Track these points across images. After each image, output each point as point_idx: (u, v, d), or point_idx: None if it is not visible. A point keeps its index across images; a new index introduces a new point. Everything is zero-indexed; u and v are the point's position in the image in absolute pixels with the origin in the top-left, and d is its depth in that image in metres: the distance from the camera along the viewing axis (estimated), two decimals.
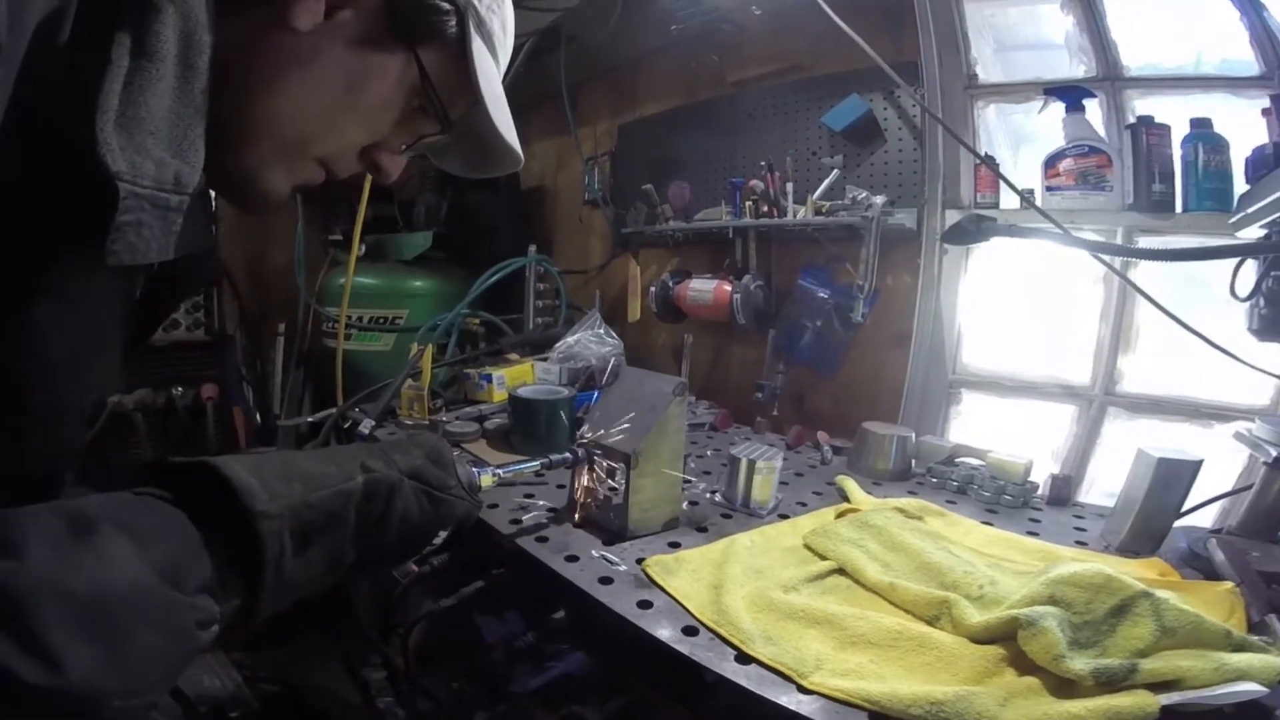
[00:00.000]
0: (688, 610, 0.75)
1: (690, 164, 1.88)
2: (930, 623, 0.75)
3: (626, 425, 0.90)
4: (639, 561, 0.84)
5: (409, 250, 2.25)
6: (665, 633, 0.72)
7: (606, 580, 0.81)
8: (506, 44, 0.70)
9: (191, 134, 0.47)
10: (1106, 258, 1.26)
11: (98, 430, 1.68)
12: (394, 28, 0.58)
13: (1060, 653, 0.64)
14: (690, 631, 0.72)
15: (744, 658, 0.68)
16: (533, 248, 1.98)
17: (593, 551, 0.87)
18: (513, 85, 2.06)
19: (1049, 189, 1.31)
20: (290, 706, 1.43)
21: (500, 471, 0.84)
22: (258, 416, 2.21)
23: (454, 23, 0.60)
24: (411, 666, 1.16)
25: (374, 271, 2.22)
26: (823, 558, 0.87)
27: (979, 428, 1.46)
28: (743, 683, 0.65)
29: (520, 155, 0.72)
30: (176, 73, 0.45)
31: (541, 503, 1.03)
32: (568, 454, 0.92)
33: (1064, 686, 0.63)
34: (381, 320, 2.14)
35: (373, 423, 1.34)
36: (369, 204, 2.46)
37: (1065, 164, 1.30)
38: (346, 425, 1.49)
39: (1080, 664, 0.62)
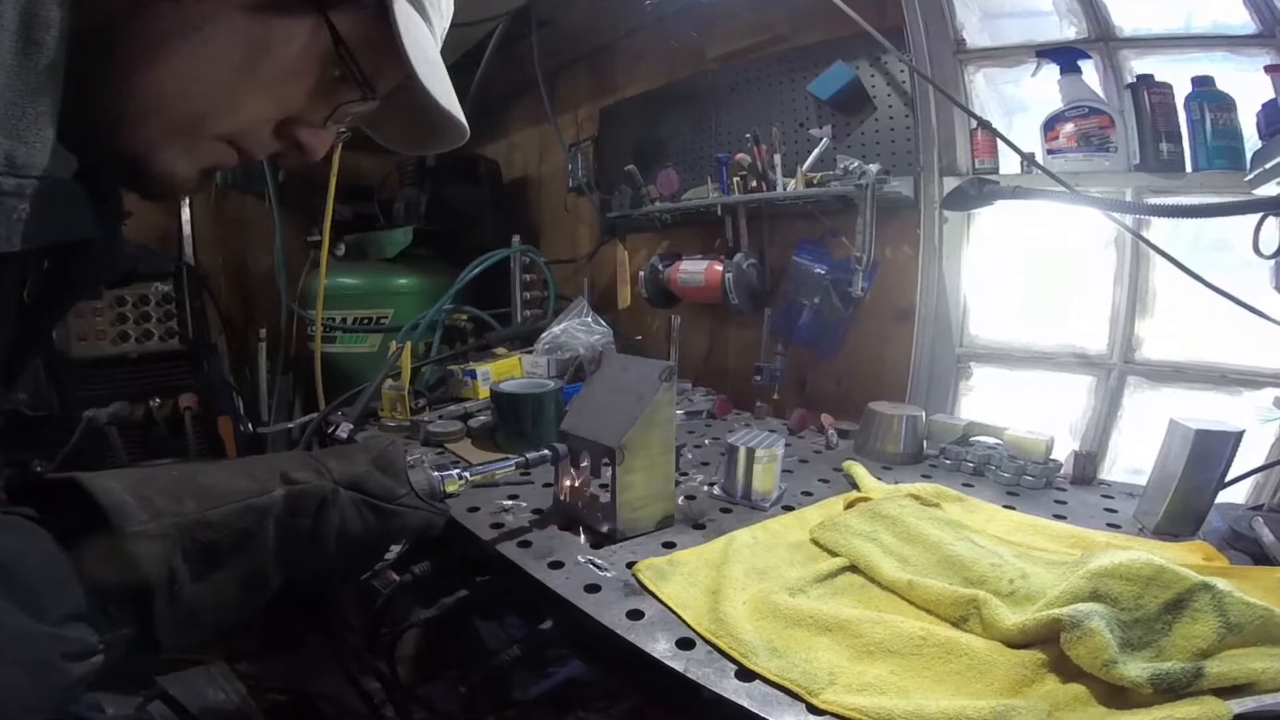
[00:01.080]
0: (683, 620, 0.66)
1: (675, 144, 1.79)
2: (956, 624, 0.67)
3: (612, 416, 0.81)
4: (629, 566, 0.75)
5: (390, 247, 2.16)
6: (658, 646, 0.63)
7: (593, 588, 0.72)
8: (443, 7, 0.62)
9: (33, 111, 0.40)
10: (1120, 217, 1.16)
11: (72, 446, 1.63)
12: None
13: (1111, 657, 0.55)
14: (686, 644, 0.63)
15: (746, 673, 0.59)
16: (516, 238, 1.88)
17: (579, 556, 0.78)
18: (486, 76, 1.97)
19: (1050, 152, 1.22)
20: (298, 715, 1.36)
21: (467, 474, 0.76)
22: (250, 425, 2.13)
23: None
24: (400, 677, 1.08)
25: (356, 271, 2.14)
26: (832, 554, 0.78)
27: (991, 403, 1.37)
28: (744, 703, 0.56)
29: (464, 126, 0.64)
30: (15, 49, 0.39)
31: (524, 504, 0.94)
32: (546, 451, 0.83)
33: (1116, 695, 0.54)
34: (366, 321, 2.06)
35: (351, 426, 1.25)
36: (349, 203, 2.41)
37: (1065, 127, 1.21)
38: (331, 430, 1.40)
39: (1135, 669, 0.53)
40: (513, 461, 0.81)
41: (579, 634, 0.70)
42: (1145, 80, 1.13)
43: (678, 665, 0.60)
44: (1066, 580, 0.67)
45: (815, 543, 0.81)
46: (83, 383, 1.67)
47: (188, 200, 2.30)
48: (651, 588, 0.71)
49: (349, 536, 0.60)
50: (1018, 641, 0.61)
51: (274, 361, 2.27)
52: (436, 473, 0.74)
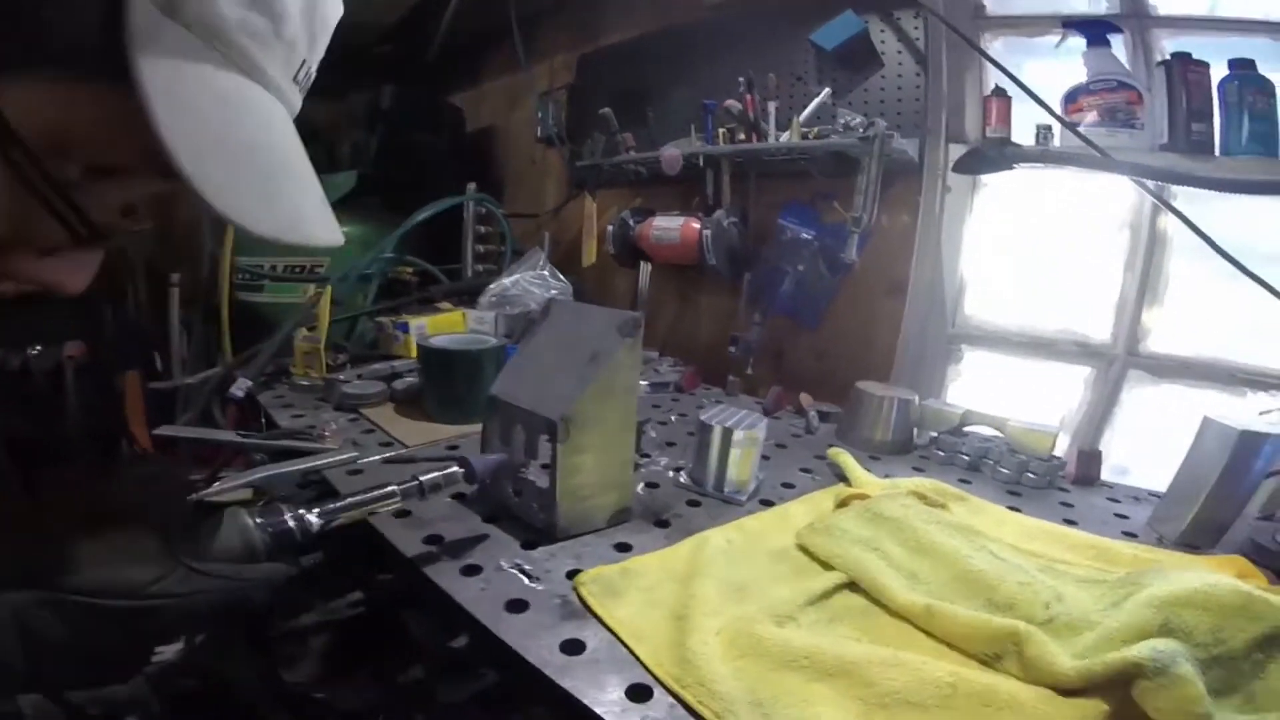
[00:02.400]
0: (636, 657, 0.48)
1: (657, 93, 1.57)
2: (986, 663, 0.50)
3: (558, 380, 0.61)
4: (570, 575, 0.56)
5: (330, 192, 1.85)
6: (604, 695, 0.44)
7: (518, 605, 0.53)
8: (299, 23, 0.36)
9: None
10: (1149, 194, 1.02)
11: None
12: None
13: (1205, 711, 0.41)
14: (640, 694, 0.45)
15: None
16: (471, 185, 1.64)
17: (501, 560, 0.59)
18: (457, 18, 1.71)
19: (1065, 127, 1.09)
20: (207, 703, 1.14)
21: (314, 519, 0.50)
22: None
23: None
24: (280, 679, 0.88)
25: None
26: (825, 566, 0.61)
27: (979, 391, 1.22)
28: None
29: (321, 235, 0.40)
30: None
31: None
32: (454, 468, 0.59)
33: None
34: (298, 269, 1.79)
35: (249, 384, 1.01)
36: None
37: (1090, 99, 1.07)
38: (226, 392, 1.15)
39: None
40: (398, 490, 0.56)
41: (501, 661, 0.51)
42: (1182, 57, 1.01)
43: None
44: (1120, 607, 0.52)
45: (803, 550, 0.64)
46: None
47: None
48: (597, 609, 0.52)
49: (55, 650, 0.37)
50: (1073, 688, 0.45)
51: (192, 311, 1.99)
52: (259, 520, 0.47)
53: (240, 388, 0.98)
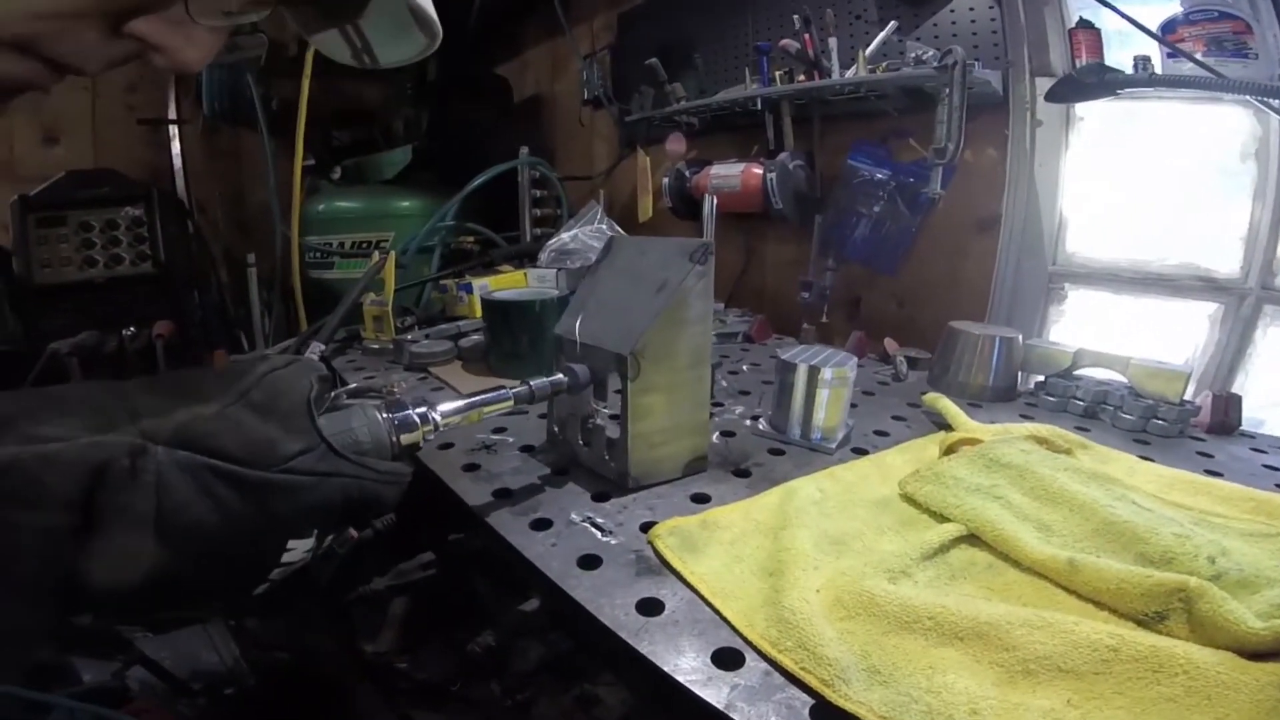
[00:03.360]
0: (723, 618, 0.41)
1: (702, 42, 1.46)
2: (1144, 624, 0.41)
3: (623, 314, 0.54)
4: (645, 529, 0.50)
5: (389, 168, 1.90)
6: (685, 661, 0.38)
7: (591, 561, 0.47)
8: None
9: None
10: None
11: (32, 380, 1.42)
12: None
13: None
14: (729, 659, 0.38)
15: (829, 711, 0.34)
16: (524, 149, 1.59)
17: (573, 514, 0.53)
18: None
19: (1170, 56, 0.94)
20: (296, 674, 1.18)
21: (437, 415, 0.47)
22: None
23: None
24: (359, 646, 0.87)
25: (354, 195, 1.89)
26: (938, 517, 0.52)
27: (1087, 331, 1.07)
28: None
29: (434, 23, 0.44)
30: None
31: (511, 439, 0.69)
32: (559, 376, 0.55)
33: None
34: (365, 245, 1.79)
35: (322, 347, 1.00)
36: (346, 128, 2.16)
37: (1190, 29, 0.93)
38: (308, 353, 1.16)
39: None
40: (510, 392, 0.52)
41: (572, 623, 0.45)
42: None
43: (716, 697, 0.35)
44: None
45: (908, 499, 0.55)
46: (48, 312, 1.46)
47: (176, 134, 2.14)
48: (676, 564, 0.45)
49: (190, 533, 0.33)
50: (1263, 649, 0.36)
51: (268, 290, 2.05)
52: (386, 414, 0.45)
53: (314, 351, 0.97)
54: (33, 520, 0.28)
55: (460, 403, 0.49)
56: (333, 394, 0.48)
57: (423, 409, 0.46)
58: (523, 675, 1.00)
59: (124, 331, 1.47)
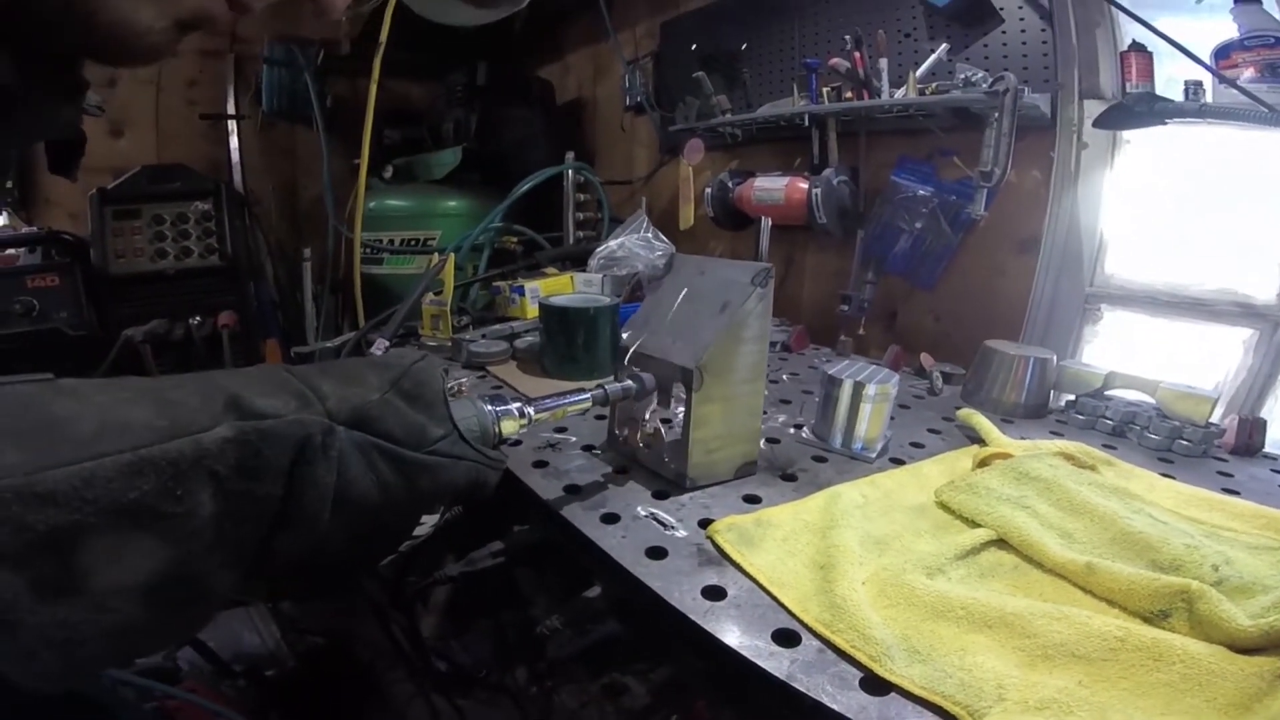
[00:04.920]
0: (780, 604, 0.47)
1: (745, 55, 1.52)
2: (1150, 621, 0.46)
3: (686, 331, 0.60)
4: (703, 525, 0.56)
5: (438, 169, 1.98)
6: (748, 640, 0.44)
7: (657, 552, 0.53)
8: None
9: None
10: None
11: (107, 365, 1.53)
12: None
13: None
14: (787, 639, 0.44)
15: (876, 682, 0.41)
16: (570, 155, 1.66)
17: (639, 509, 0.59)
18: None
19: (1221, 82, 0.96)
20: (333, 659, 1.26)
21: (530, 410, 0.53)
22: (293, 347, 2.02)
23: None
24: (420, 632, 0.95)
25: (404, 193, 1.98)
26: (971, 523, 0.57)
27: (1121, 353, 1.11)
28: None
29: None
30: None
31: (573, 438, 0.76)
32: (630, 382, 0.61)
33: None
34: (413, 242, 1.89)
35: (386, 343, 1.08)
36: (397, 128, 2.27)
37: (1244, 55, 0.96)
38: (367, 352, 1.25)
39: None
40: (588, 394, 0.58)
41: (634, 608, 0.52)
42: None
43: (777, 669, 0.42)
44: None
45: (943, 506, 0.61)
46: (121, 301, 1.57)
47: (234, 130, 2.25)
48: (735, 556, 0.52)
49: (355, 506, 0.38)
50: (1251, 645, 0.42)
51: (320, 284, 2.15)
52: (490, 406, 0.51)
53: (379, 347, 1.05)
54: (253, 489, 0.33)
55: (549, 401, 0.56)
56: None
57: (519, 404, 0.52)
58: (555, 663, 1.08)
59: (190, 321, 1.58)
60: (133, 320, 1.57)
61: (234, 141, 2.25)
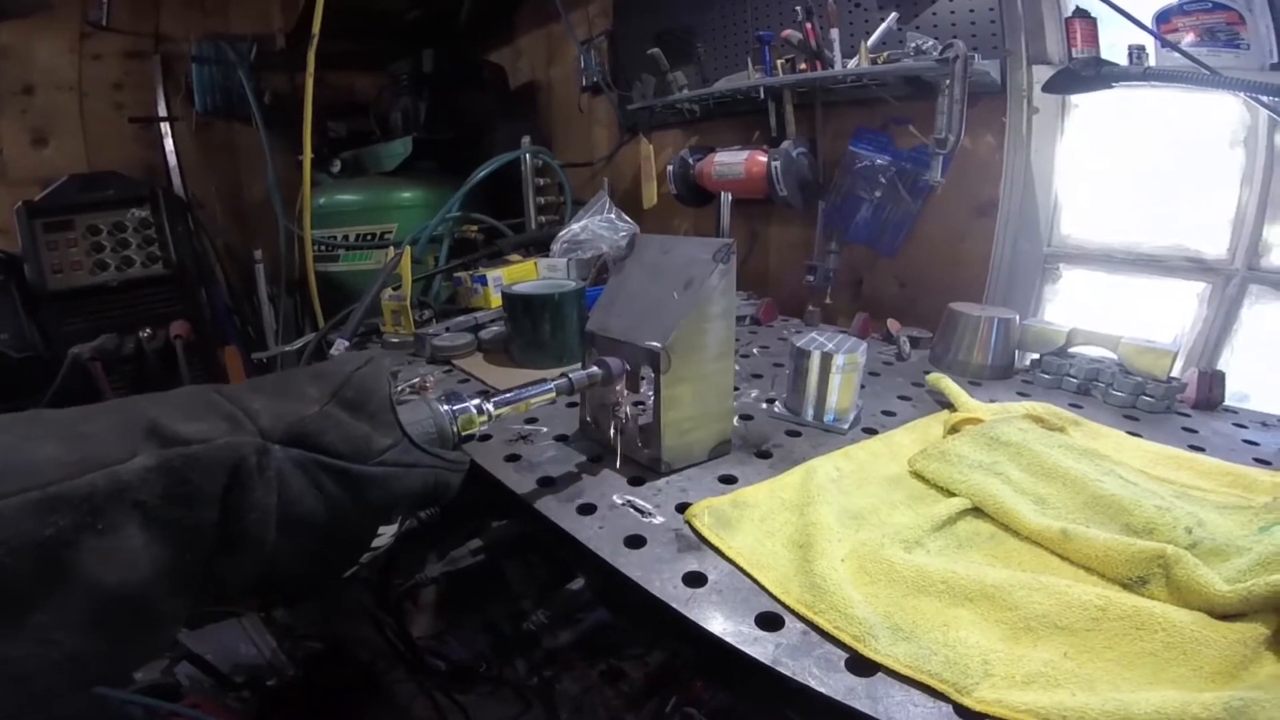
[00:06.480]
0: (762, 587, 0.46)
1: (699, 30, 1.48)
2: (1128, 587, 0.46)
3: (651, 311, 0.58)
4: (681, 510, 0.55)
5: (389, 160, 1.91)
6: (731, 625, 0.43)
7: (636, 541, 0.52)
8: None
9: None
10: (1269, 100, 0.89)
11: (57, 387, 1.45)
12: None
13: None
14: (770, 622, 0.44)
15: (862, 663, 0.40)
16: (526, 139, 1.61)
17: (615, 497, 0.58)
18: None
19: (1164, 46, 0.98)
20: (332, 662, 1.24)
21: (490, 406, 0.51)
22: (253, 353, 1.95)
23: None
24: (409, 632, 0.93)
25: (354, 187, 1.91)
26: (945, 492, 0.57)
27: (1080, 311, 1.13)
28: (861, 706, 0.37)
29: None
30: None
31: (545, 429, 0.73)
32: (594, 369, 0.59)
33: None
34: (369, 237, 1.82)
35: (346, 343, 1.04)
36: (343, 120, 2.16)
37: (1184, 20, 0.97)
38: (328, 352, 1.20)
39: None
40: (551, 385, 0.56)
41: (618, 597, 0.51)
42: None
43: (762, 653, 0.41)
44: (1272, 533, 0.47)
45: (917, 476, 0.60)
46: (64, 317, 1.49)
47: (168, 132, 2.13)
48: (714, 540, 0.51)
49: (302, 524, 0.36)
50: (1230, 611, 0.41)
51: (276, 285, 2.07)
52: (446, 406, 0.48)
53: (340, 347, 1.01)
54: (185, 518, 0.31)
55: (509, 395, 0.53)
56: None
57: (477, 401, 0.50)
58: (552, 653, 1.07)
59: (140, 333, 1.50)
60: (80, 337, 1.49)
61: (169, 144, 2.13)
